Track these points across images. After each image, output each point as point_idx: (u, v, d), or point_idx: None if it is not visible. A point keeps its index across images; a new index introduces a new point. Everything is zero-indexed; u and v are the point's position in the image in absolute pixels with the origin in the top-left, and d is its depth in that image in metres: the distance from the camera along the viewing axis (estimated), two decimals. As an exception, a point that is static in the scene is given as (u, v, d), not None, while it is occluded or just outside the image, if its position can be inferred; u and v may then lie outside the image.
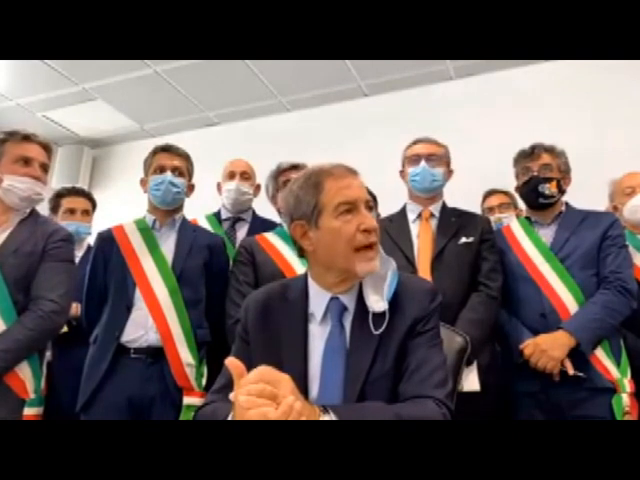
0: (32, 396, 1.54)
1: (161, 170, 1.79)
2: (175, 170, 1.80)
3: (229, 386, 0.87)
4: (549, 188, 1.71)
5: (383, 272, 1.01)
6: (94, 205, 2.43)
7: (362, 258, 0.97)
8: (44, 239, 1.60)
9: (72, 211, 2.30)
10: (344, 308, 1.02)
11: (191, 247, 1.78)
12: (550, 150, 1.76)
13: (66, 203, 2.30)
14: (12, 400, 1.51)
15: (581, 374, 1.52)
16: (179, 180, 1.80)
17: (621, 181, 2.08)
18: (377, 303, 0.98)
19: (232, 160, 2.42)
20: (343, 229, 0.97)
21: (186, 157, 1.87)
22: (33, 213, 1.67)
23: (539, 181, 1.72)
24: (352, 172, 1.04)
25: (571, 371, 1.51)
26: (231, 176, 2.32)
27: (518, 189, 1.82)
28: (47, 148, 1.69)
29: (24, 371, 1.53)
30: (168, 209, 1.82)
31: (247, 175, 2.33)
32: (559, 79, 3.02)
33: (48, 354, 1.89)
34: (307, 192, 1.02)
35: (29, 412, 1.55)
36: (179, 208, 1.86)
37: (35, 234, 1.60)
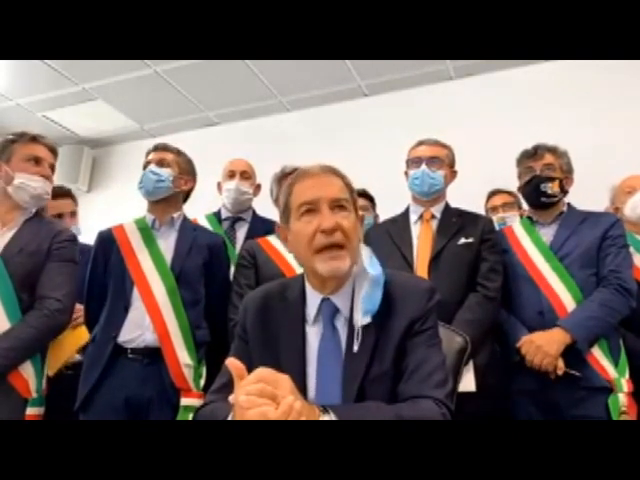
0: (34, 395, 1.55)
1: (146, 166, 1.83)
2: (158, 162, 1.81)
3: (228, 386, 0.87)
4: (551, 187, 1.71)
5: (364, 283, 0.98)
6: (76, 201, 2.34)
7: (322, 258, 0.95)
8: (49, 239, 1.62)
9: (60, 216, 2.18)
10: (336, 309, 1.01)
11: (191, 247, 1.78)
12: (553, 150, 1.77)
13: (52, 208, 2.14)
14: (15, 399, 1.51)
15: (576, 372, 1.52)
16: (161, 170, 1.79)
17: (621, 183, 2.11)
18: (361, 317, 0.95)
19: (232, 160, 2.42)
20: (303, 230, 0.97)
21: (174, 151, 1.88)
22: (38, 214, 1.69)
23: (541, 180, 1.72)
24: (326, 171, 1.02)
25: (560, 371, 1.51)
26: (231, 176, 2.32)
27: (520, 189, 1.83)
28: (53, 150, 1.74)
29: (27, 370, 1.54)
30: (155, 200, 1.81)
31: (247, 175, 2.34)
32: (559, 79, 3.02)
33: (78, 356, 1.88)
34: (282, 195, 1.04)
35: (31, 412, 1.55)
36: (170, 202, 1.83)
37: (40, 234, 1.62)
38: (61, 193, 2.24)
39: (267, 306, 1.07)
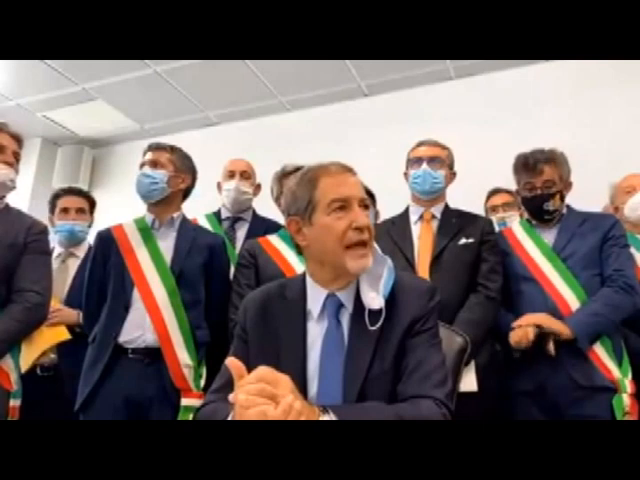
0: (15, 388, 1.56)
1: (142, 168, 1.82)
2: (152, 164, 1.80)
3: (228, 386, 0.87)
4: (553, 204, 1.71)
5: (379, 270, 1.00)
6: (92, 203, 2.35)
7: (353, 255, 0.97)
8: (24, 231, 1.61)
9: (66, 210, 2.22)
10: (341, 305, 1.02)
11: (191, 247, 1.78)
12: (551, 161, 1.72)
13: (60, 203, 2.25)
14: (0, 392, 1.52)
15: (551, 350, 1.54)
16: (154, 172, 1.78)
17: (621, 182, 2.09)
18: (373, 300, 0.97)
19: (232, 159, 2.42)
20: (335, 226, 0.97)
21: (167, 149, 1.84)
22: (6, 205, 1.67)
23: (544, 199, 1.71)
24: (348, 170, 1.04)
25: (552, 351, 1.53)
26: (231, 175, 2.31)
27: (522, 199, 1.81)
28: (17, 138, 1.69)
29: (8, 364, 1.54)
30: (151, 202, 1.81)
31: (247, 174, 2.33)
32: (559, 79, 3.02)
33: (53, 356, 1.90)
34: (302, 188, 1.03)
35: (14, 404, 1.56)
36: (169, 202, 1.81)
37: (13, 226, 1.60)
38: (72, 191, 2.31)
39: (267, 306, 1.07)
